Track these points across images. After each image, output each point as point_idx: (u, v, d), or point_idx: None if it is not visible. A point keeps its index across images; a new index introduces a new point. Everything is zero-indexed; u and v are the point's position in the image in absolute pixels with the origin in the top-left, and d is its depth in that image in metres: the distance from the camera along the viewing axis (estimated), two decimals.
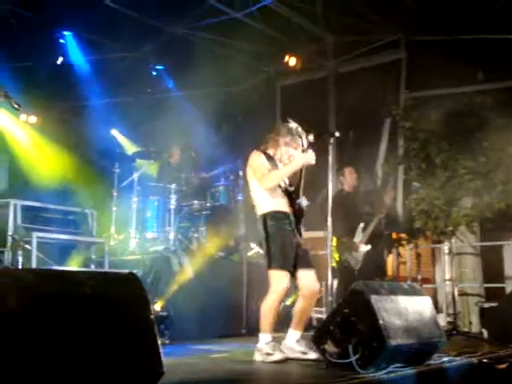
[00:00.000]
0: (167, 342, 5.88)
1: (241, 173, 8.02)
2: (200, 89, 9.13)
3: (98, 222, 7.56)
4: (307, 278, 5.04)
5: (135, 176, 8.02)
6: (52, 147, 9.51)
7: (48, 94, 8.92)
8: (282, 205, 5.10)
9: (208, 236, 7.87)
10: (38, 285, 2.80)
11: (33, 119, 10.21)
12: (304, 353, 4.93)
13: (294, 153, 5.14)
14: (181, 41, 9.39)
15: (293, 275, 5.06)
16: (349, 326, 4.26)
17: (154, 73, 10.42)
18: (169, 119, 8.55)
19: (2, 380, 2.47)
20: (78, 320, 2.84)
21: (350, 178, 8.10)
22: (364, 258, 7.68)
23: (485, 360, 4.89)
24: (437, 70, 8.89)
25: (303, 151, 5.09)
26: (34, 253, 6.43)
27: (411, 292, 4.76)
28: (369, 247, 7.71)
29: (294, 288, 5.33)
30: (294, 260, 5.03)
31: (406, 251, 8.89)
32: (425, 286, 7.90)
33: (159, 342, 3.13)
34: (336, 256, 7.54)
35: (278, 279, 4.95)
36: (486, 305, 7.88)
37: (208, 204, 8.03)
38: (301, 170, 5.11)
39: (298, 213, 5.13)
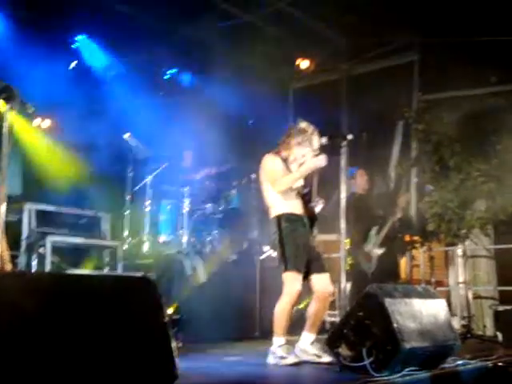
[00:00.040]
0: (180, 345, 5.88)
1: (253, 176, 8.02)
2: (212, 92, 9.14)
3: (111, 225, 7.60)
4: (321, 282, 5.04)
5: (148, 179, 8.04)
6: (65, 151, 9.55)
7: (62, 98, 8.95)
8: (295, 207, 5.11)
9: (221, 239, 7.88)
10: (52, 288, 2.82)
11: (46, 123, 10.27)
12: (318, 356, 4.92)
13: (307, 151, 5.14)
14: (194, 44, 9.40)
15: (306, 278, 5.06)
16: (363, 329, 4.25)
17: (167, 76, 10.46)
18: (181, 122, 8.56)
19: (18, 382, 2.48)
20: (92, 324, 2.85)
21: (361, 181, 8.09)
22: (377, 261, 7.66)
23: (499, 363, 4.87)
24: (450, 72, 8.84)
25: (316, 155, 5.09)
26: (48, 257, 6.47)
27: (425, 295, 4.74)
28: (382, 250, 7.69)
29: (307, 291, 5.33)
30: (308, 263, 5.04)
31: (420, 254, 8.85)
32: (438, 288, 7.85)
33: (173, 346, 3.14)
34: (349, 259, 7.52)
35: (292, 281, 4.95)
36: (501, 308, 7.82)
37: (221, 207, 8.04)
38: (313, 172, 5.12)
39: (311, 215, 5.14)
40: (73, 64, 9.41)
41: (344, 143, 5.34)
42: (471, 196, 7.88)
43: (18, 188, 9.81)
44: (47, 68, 8.49)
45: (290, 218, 5.08)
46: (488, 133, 7.96)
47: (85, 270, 6.92)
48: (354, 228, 7.43)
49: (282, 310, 4.98)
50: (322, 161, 5.04)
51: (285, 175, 5.11)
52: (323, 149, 5.13)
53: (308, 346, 5.03)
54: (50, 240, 6.55)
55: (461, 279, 8.20)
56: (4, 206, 3.95)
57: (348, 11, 9.21)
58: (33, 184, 9.50)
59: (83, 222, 7.41)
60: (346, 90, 10.85)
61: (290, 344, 5.04)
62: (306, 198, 5.15)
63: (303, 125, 5.23)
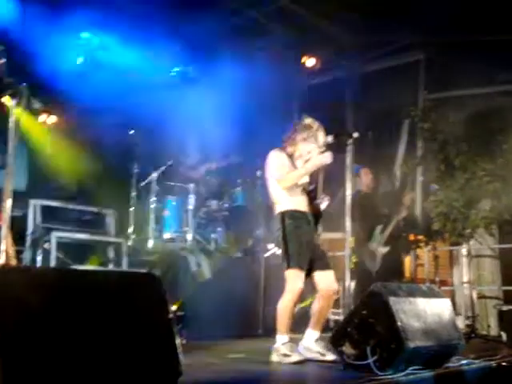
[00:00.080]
0: (184, 341, 5.88)
1: (258, 173, 8.02)
2: (216, 89, 9.13)
3: (116, 221, 7.61)
4: (325, 279, 5.04)
5: (154, 176, 8.04)
6: (71, 147, 9.56)
7: (68, 95, 8.96)
8: (300, 203, 5.11)
9: (226, 236, 7.89)
10: (57, 284, 2.83)
11: (52, 119, 10.28)
12: (322, 354, 4.92)
13: (312, 147, 5.14)
14: (199, 41, 9.39)
15: (309, 276, 5.06)
16: (367, 328, 4.25)
17: (173, 73, 10.45)
18: (186, 119, 8.56)
19: (22, 377, 2.48)
20: (96, 319, 2.86)
21: (365, 179, 8.09)
22: (382, 259, 7.66)
23: (504, 363, 4.86)
24: (456, 71, 8.83)
25: (321, 152, 5.09)
26: (53, 252, 6.50)
27: (430, 294, 4.74)
28: (387, 249, 7.69)
29: (311, 289, 5.33)
30: (312, 261, 5.04)
31: (424, 253, 8.84)
32: (443, 288, 7.85)
33: (177, 342, 3.14)
34: (353, 257, 7.52)
35: (294, 279, 4.96)
36: (505, 307, 7.82)
37: (226, 205, 8.05)
38: (319, 169, 5.12)
39: (316, 212, 5.14)
40: (80, 59, 9.40)
41: (350, 141, 5.33)
42: (476, 195, 7.86)
43: (23, 183, 9.85)
44: (54, 63, 8.51)
45: (294, 214, 5.08)
46: (494, 132, 7.94)
47: (89, 266, 6.93)
48: (359, 226, 7.43)
49: (284, 308, 4.99)
50: (327, 158, 5.04)
51: (290, 171, 5.11)
52: (329, 147, 5.13)
53: (312, 344, 5.03)
54: (54, 235, 6.58)
55: (465, 279, 8.18)
56: (10, 202, 3.96)
57: (354, 9, 9.21)
58: (38, 180, 9.53)
59: (88, 217, 7.44)
60: (351, 89, 10.85)
61: (294, 342, 5.04)
62: (311, 195, 5.15)
63: (308, 121, 5.24)
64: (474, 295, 7.49)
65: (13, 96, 3.97)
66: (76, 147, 9.40)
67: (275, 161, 5.17)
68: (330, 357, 4.78)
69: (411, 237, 8.83)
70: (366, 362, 4.13)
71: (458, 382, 4.47)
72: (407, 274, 8.76)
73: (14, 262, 5.19)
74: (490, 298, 8.27)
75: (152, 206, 7.90)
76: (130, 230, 7.99)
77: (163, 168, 8.16)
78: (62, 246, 6.73)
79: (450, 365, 4.56)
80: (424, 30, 9.19)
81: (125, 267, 7.05)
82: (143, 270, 6.68)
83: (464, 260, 8.28)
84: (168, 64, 10.25)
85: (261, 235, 7.99)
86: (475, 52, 8.70)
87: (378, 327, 4.22)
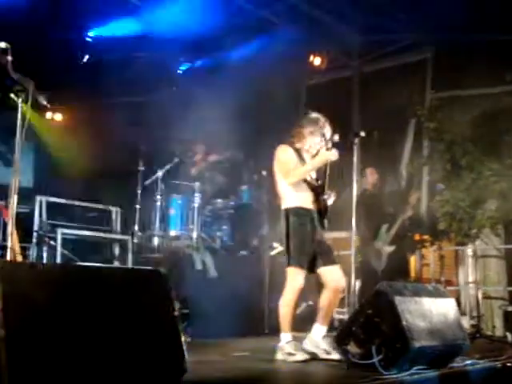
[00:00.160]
0: (189, 339, 5.89)
1: (264, 172, 8.02)
2: (224, 88, 9.13)
3: (121, 219, 7.63)
4: (333, 274, 5.03)
5: (159, 174, 8.05)
6: (77, 144, 9.58)
7: (74, 92, 8.98)
8: (306, 200, 5.11)
9: (231, 235, 7.89)
10: (63, 280, 2.83)
11: (58, 117, 10.31)
12: (328, 352, 4.91)
13: (320, 141, 5.14)
14: (207, 40, 9.41)
15: (313, 272, 5.07)
16: (372, 327, 4.25)
17: (180, 71, 10.48)
18: (193, 117, 8.57)
19: (28, 372, 2.49)
20: (102, 316, 2.87)
21: (371, 178, 8.09)
22: (387, 258, 7.65)
23: (509, 364, 4.84)
24: (463, 71, 8.81)
25: (327, 149, 5.09)
26: (59, 249, 6.51)
27: (436, 294, 4.73)
28: (392, 248, 7.68)
29: (314, 287, 5.34)
30: (317, 257, 5.04)
31: (430, 253, 8.83)
32: (448, 288, 7.83)
33: (182, 340, 3.15)
34: (359, 256, 7.51)
35: (295, 277, 4.98)
36: (510, 308, 7.80)
37: (231, 203, 8.05)
38: (325, 166, 5.12)
39: (322, 208, 5.14)
40: (85, 57, 9.43)
41: (356, 140, 5.33)
42: (483, 195, 7.85)
43: (29, 180, 9.88)
44: (61, 61, 8.53)
45: (298, 212, 5.09)
46: (501, 132, 7.92)
47: (94, 263, 6.94)
48: (365, 225, 7.43)
49: (285, 306, 5.00)
50: (333, 155, 5.04)
51: (297, 166, 5.11)
52: (335, 146, 5.12)
53: (320, 340, 5.02)
54: (60, 232, 6.59)
55: (471, 279, 8.17)
56: (16, 198, 3.97)
57: (360, 8, 9.20)
58: (44, 177, 9.56)
59: (94, 215, 7.46)
60: (357, 88, 10.84)
61: (298, 340, 5.04)
62: (318, 191, 5.15)
63: (314, 115, 5.25)
64: (480, 295, 7.47)
65: (19, 93, 3.97)
66: (82, 144, 9.42)
67: (282, 155, 5.18)
68: (335, 356, 4.76)
69: (417, 236, 8.82)
70: (370, 362, 4.12)
71: (463, 382, 4.46)
72: (413, 273, 8.75)
73: (19, 258, 5.20)
74: (496, 298, 8.25)
75: (157, 204, 7.91)
76: (136, 227, 8.00)
77: (168, 166, 8.16)
78: (68, 242, 6.75)
79: (455, 365, 4.55)
80: (431, 28, 9.18)
81: (130, 264, 7.06)
82: (149, 268, 6.68)
83: (470, 260, 8.26)
84: (175, 60, 10.28)
85: (266, 233, 7.98)
86: (483, 51, 8.69)
87: (383, 326, 4.21)
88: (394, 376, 4.00)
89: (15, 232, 4.65)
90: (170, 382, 3.08)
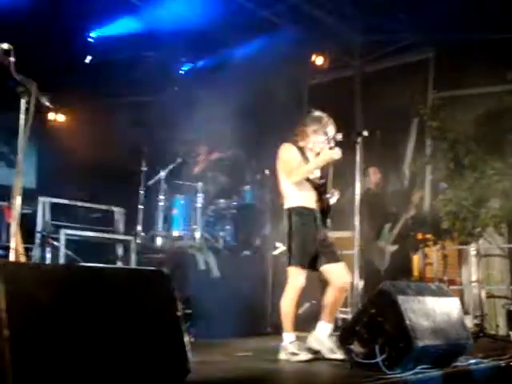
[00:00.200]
0: (192, 339, 5.89)
1: (267, 172, 8.02)
2: (226, 88, 9.14)
3: (124, 219, 7.63)
4: (337, 271, 5.04)
5: (162, 174, 8.05)
6: (80, 145, 9.58)
7: (77, 93, 8.99)
8: (309, 199, 5.11)
9: (234, 235, 7.89)
10: (67, 281, 2.84)
11: (61, 118, 10.33)
12: (332, 351, 4.90)
13: (323, 140, 5.13)
14: (209, 39, 9.42)
15: (316, 270, 5.07)
16: (375, 327, 4.24)
17: (182, 71, 10.49)
18: (195, 117, 8.58)
19: (32, 372, 2.50)
20: (105, 316, 2.87)
21: (374, 178, 8.09)
22: (390, 258, 7.65)
23: None
24: (465, 70, 8.81)
25: (330, 148, 5.09)
26: (62, 249, 6.52)
27: (439, 293, 4.72)
28: (395, 247, 7.68)
29: (317, 286, 5.34)
30: (320, 255, 5.04)
31: (433, 252, 8.82)
32: (451, 287, 7.82)
33: (186, 340, 3.15)
34: (362, 256, 7.50)
35: (296, 276, 4.99)
36: None
37: (234, 203, 8.05)
38: (328, 165, 5.13)
39: (325, 208, 5.15)
40: (88, 58, 9.45)
41: (359, 140, 5.33)
42: (486, 194, 7.84)
43: (32, 181, 9.89)
44: (64, 62, 8.54)
45: (301, 211, 5.09)
46: (504, 131, 7.91)
47: (98, 264, 6.94)
48: (368, 225, 7.42)
49: (287, 306, 5.01)
50: (337, 154, 5.04)
51: (300, 165, 5.11)
52: (338, 145, 5.13)
53: (325, 338, 5.01)
54: (64, 233, 6.60)
55: (474, 278, 8.16)
56: (19, 199, 3.97)
57: (362, 8, 9.20)
58: (47, 177, 9.57)
59: (97, 215, 7.46)
60: (360, 87, 10.84)
61: (301, 340, 5.04)
62: (321, 190, 5.16)
63: (317, 113, 5.25)
64: (483, 294, 7.47)
65: (22, 94, 3.97)
66: (84, 145, 9.43)
67: (285, 154, 5.18)
68: (339, 356, 4.76)
69: (420, 235, 8.81)
70: (374, 361, 4.12)
71: (467, 381, 4.46)
72: (416, 272, 8.74)
73: (23, 259, 5.20)
74: (499, 297, 8.23)
75: (160, 205, 7.91)
76: (139, 228, 8.00)
77: (171, 166, 8.17)
78: (71, 243, 6.75)
79: (459, 364, 4.55)
80: (432, 28, 9.18)
81: (133, 265, 7.06)
82: (153, 268, 6.69)
83: (473, 259, 8.25)
84: (177, 60, 10.29)
85: (269, 233, 7.99)
86: (484, 51, 8.69)
87: (386, 326, 4.21)
88: (398, 375, 4.00)
89: (19, 233, 4.65)
90: (173, 383, 3.08)
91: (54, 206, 6.96)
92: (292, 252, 5.02)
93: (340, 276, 5.04)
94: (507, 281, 8.35)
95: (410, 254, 8.32)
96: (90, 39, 9.39)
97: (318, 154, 5.19)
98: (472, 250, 8.20)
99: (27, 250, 6.28)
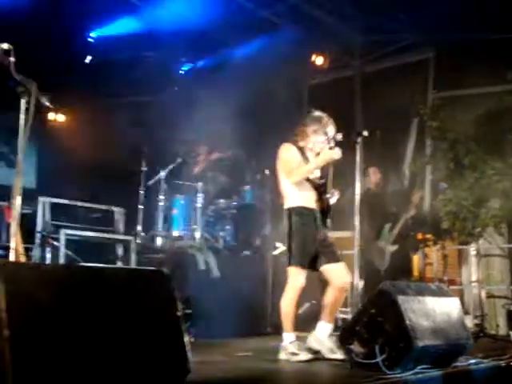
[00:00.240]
0: (192, 340, 5.89)
1: (267, 172, 8.03)
2: (226, 88, 9.15)
3: (124, 219, 7.63)
4: (337, 271, 5.04)
5: (162, 174, 8.05)
6: (80, 145, 9.58)
7: (77, 93, 8.99)
8: (308, 200, 5.11)
9: (234, 235, 7.89)
10: (67, 281, 2.84)
11: (61, 117, 10.33)
12: (332, 351, 4.90)
13: (323, 139, 5.13)
14: (209, 39, 9.42)
15: (316, 270, 5.07)
16: (375, 327, 4.24)
17: (182, 71, 10.50)
18: (195, 117, 8.58)
19: (32, 372, 2.50)
20: (105, 316, 2.87)
21: (374, 178, 8.09)
22: (390, 258, 7.65)
23: None
24: (465, 70, 8.81)
25: (330, 148, 5.09)
26: (62, 249, 6.52)
27: (439, 293, 4.72)
28: (395, 247, 7.68)
29: (318, 286, 5.34)
30: (320, 255, 5.04)
31: (433, 252, 8.82)
32: (451, 287, 7.82)
33: (186, 340, 3.15)
34: (362, 256, 7.50)
35: (295, 276, 4.99)
36: None
37: (234, 203, 8.05)
38: (329, 165, 5.13)
39: (325, 208, 5.15)
40: (88, 58, 9.45)
41: (359, 140, 5.32)
42: (486, 194, 7.84)
43: (32, 181, 9.89)
44: (64, 62, 8.54)
45: (301, 211, 5.10)
46: (504, 131, 7.91)
47: (98, 264, 6.94)
48: (368, 225, 7.42)
49: (287, 305, 5.02)
50: (336, 154, 5.04)
51: (300, 165, 5.11)
52: (338, 145, 5.13)
53: (325, 338, 5.01)
54: (64, 233, 6.60)
55: (474, 278, 8.16)
56: (19, 199, 3.97)
57: (362, 8, 9.20)
58: (47, 177, 9.57)
59: (97, 215, 7.46)
60: (360, 87, 10.84)
61: (301, 340, 5.04)
62: (321, 190, 5.16)
63: (317, 113, 5.25)
64: (483, 294, 7.46)
65: (22, 94, 3.97)
66: (84, 145, 9.43)
67: (285, 154, 5.19)
68: (339, 356, 4.76)
69: (420, 235, 8.81)
70: (374, 361, 4.12)
71: (467, 381, 4.46)
72: (416, 272, 8.74)
73: (23, 259, 5.20)
74: (499, 297, 8.23)
75: (160, 205, 7.91)
76: (139, 228, 8.00)
77: (171, 166, 8.17)
78: (71, 243, 6.76)
79: (459, 364, 4.55)
80: (433, 28, 9.18)
81: (133, 265, 7.06)
82: (153, 268, 6.69)
83: (473, 259, 8.25)
84: (177, 60, 10.29)
85: (269, 233, 7.99)
86: (484, 50, 8.69)
87: (386, 326, 4.21)
88: (398, 375, 4.00)
89: (19, 233, 4.65)
90: (173, 383, 3.08)
91: (53, 205, 6.96)
92: (292, 252, 5.03)
93: (340, 276, 5.04)
94: (507, 281, 8.34)
95: (410, 254, 8.32)
96: (90, 39, 9.39)
97: (318, 153, 5.19)
98: (472, 250, 8.21)
99: (27, 250, 6.29)
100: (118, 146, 9.45)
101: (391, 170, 9.53)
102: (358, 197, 5.35)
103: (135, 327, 2.95)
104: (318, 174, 5.26)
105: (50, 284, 2.73)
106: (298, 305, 5.24)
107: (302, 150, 5.22)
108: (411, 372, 4.05)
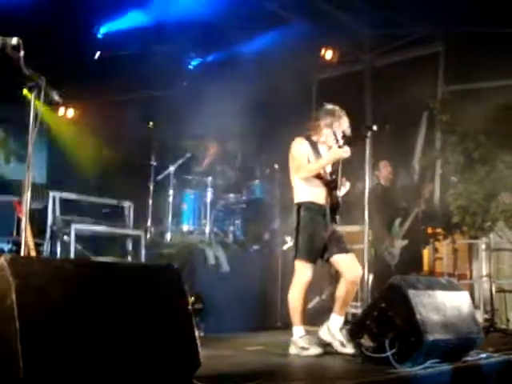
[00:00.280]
0: (202, 334, 5.90)
1: (276, 166, 8.02)
2: (235, 82, 9.15)
3: (134, 214, 7.65)
4: (348, 262, 5.02)
5: (171, 169, 8.06)
6: (90, 140, 9.62)
7: (86, 88, 9.01)
8: (318, 195, 5.11)
9: (243, 229, 7.90)
10: (78, 275, 2.84)
11: (71, 112, 10.36)
12: (343, 344, 4.90)
13: (337, 133, 5.11)
14: (217, 33, 9.41)
15: (326, 261, 5.06)
16: (386, 321, 4.24)
17: (191, 66, 10.50)
18: (205, 112, 8.58)
19: (43, 366, 2.51)
20: (116, 311, 2.88)
21: (385, 171, 8.06)
22: (400, 252, 7.63)
23: None
24: (475, 63, 8.76)
25: (339, 147, 5.07)
26: (73, 244, 6.54)
27: (449, 287, 4.71)
28: (405, 242, 7.66)
29: (328, 280, 5.33)
30: (329, 247, 5.03)
31: (443, 246, 8.79)
32: (461, 281, 7.80)
33: (196, 334, 3.15)
34: (372, 250, 7.48)
35: (302, 270, 5.00)
36: None
37: (244, 197, 8.05)
38: (338, 162, 5.11)
39: (335, 204, 5.13)
40: (97, 54, 9.46)
41: (368, 134, 5.31)
42: (496, 188, 7.80)
43: (43, 176, 9.94)
44: (73, 57, 8.55)
45: (310, 206, 5.09)
46: None
47: (108, 259, 6.98)
48: (378, 219, 7.41)
49: (295, 300, 5.02)
50: (346, 153, 5.02)
51: (312, 160, 5.10)
52: (347, 139, 5.12)
53: (337, 331, 5.01)
54: (74, 228, 6.62)
55: (484, 272, 8.14)
56: (29, 194, 3.98)
57: (371, 2, 9.16)
58: (58, 172, 9.61)
59: (107, 210, 7.48)
60: (369, 81, 10.81)
61: (311, 334, 5.04)
62: (331, 186, 5.14)
63: (330, 107, 5.23)
64: (493, 289, 7.43)
65: (32, 89, 3.98)
66: (94, 140, 9.46)
67: (296, 149, 5.17)
68: (350, 350, 4.76)
69: (430, 230, 8.79)
70: (384, 355, 4.11)
71: (477, 375, 4.45)
72: (426, 267, 8.72)
73: (33, 253, 5.23)
74: (510, 291, 8.21)
75: (170, 199, 7.92)
76: (148, 223, 8.02)
77: (181, 161, 8.17)
78: (81, 238, 6.78)
79: (469, 358, 4.54)
80: (443, 21, 9.13)
81: (143, 260, 7.08)
82: (163, 263, 6.71)
83: (483, 253, 8.23)
84: (187, 55, 10.28)
85: (278, 227, 7.98)
86: (494, 44, 8.63)
87: (396, 320, 4.20)
88: (408, 370, 4.00)
89: (29, 227, 4.67)
90: (183, 376, 3.09)
91: (64, 200, 6.99)
92: (299, 246, 5.03)
93: (351, 269, 5.02)
94: None
95: (420, 248, 8.30)
96: (99, 34, 9.40)
97: (330, 147, 5.17)
98: (482, 244, 8.18)
99: (38, 245, 6.32)
100: (127, 140, 9.48)
101: (401, 164, 9.50)
102: (367, 191, 5.34)
103: (146, 322, 2.96)
104: (328, 169, 5.25)
105: (60, 278, 2.74)
106: (307, 299, 5.24)
107: (314, 144, 5.20)
108: (421, 366, 4.05)
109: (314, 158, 5.12)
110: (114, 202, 7.57)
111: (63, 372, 2.56)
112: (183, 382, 3.08)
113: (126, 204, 7.59)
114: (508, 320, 8.00)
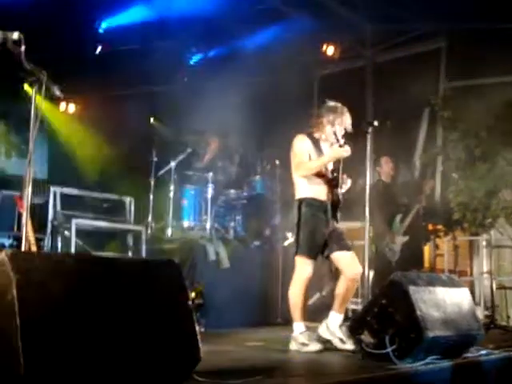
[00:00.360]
0: (203, 330, 5.91)
1: (277, 162, 8.02)
2: (237, 78, 9.14)
3: (135, 209, 7.66)
4: (348, 260, 5.02)
5: (172, 165, 8.06)
6: (91, 135, 9.62)
7: (87, 83, 9.00)
8: (319, 192, 5.10)
9: (244, 225, 7.90)
10: (78, 270, 2.84)
11: (72, 107, 10.35)
12: (343, 341, 4.90)
13: (339, 130, 5.10)
14: (218, 30, 9.40)
15: (327, 257, 5.06)
16: (386, 317, 4.24)
17: (192, 61, 10.48)
18: (207, 107, 8.57)
19: (43, 361, 2.51)
20: (117, 306, 2.88)
21: (386, 167, 8.06)
22: (401, 249, 7.63)
23: None
24: (477, 60, 8.74)
25: (340, 146, 5.05)
26: (73, 239, 6.54)
27: (450, 283, 4.71)
28: (406, 238, 7.66)
29: (329, 276, 5.33)
30: (330, 244, 5.02)
31: (444, 243, 8.79)
32: (462, 278, 7.81)
33: (197, 329, 3.15)
34: (373, 247, 7.49)
35: (302, 266, 5.00)
36: None
37: (245, 193, 8.04)
38: (339, 160, 5.10)
39: (335, 201, 5.13)
40: (99, 49, 9.45)
41: (369, 130, 5.30)
42: (497, 185, 7.80)
43: (44, 171, 9.94)
44: (74, 51, 8.55)
45: (311, 203, 5.09)
46: None
47: (108, 254, 6.99)
48: (379, 215, 7.41)
49: (295, 295, 5.02)
50: (346, 152, 5.01)
51: (313, 157, 5.09)
52: (348, 135, 5.11)
53: (336, 328, 5.01)
54: (75, 223, 6.62)
55: (485, 269, 8.14)
56: (30, 189, 3.98)
57: None
58: (59, 167, 9.61)
59: (108, 205, 7.48)
60: (371, 77, 10.79)
61: (311, 330, 5.04)
62: (332, 183, 5.14)
63: (332, 103, 5.22)
64: (494, 286, 7.43)
65: (33, 83, 3.98)
66: (95, 135, 9.46)
67: (297, 146, 5.16)
68: (350, 346, 4.77)
69: (430, 226, 8.79)
70: (384, 351, 4.12)
71: (477, 372, 4.45)
72: (426, 263, 8.72)
73: (34, 248, 5.23)
74: (510, 288, 8.21)
75: (171, 195, 7.92)
76: (149, 218, 8.02)
77: (181, 157, 8.17)
78: (82, 233, 6.78)
79: (469, 355, 4.54)
80: (445, 17, 9.11)
81: (144, 255, 7.08)
82: (164, 258, 6.70)
83: (484, 250, 8.23)
84: (188, 50, 10.27)
85: (278, 223, 7.98)
86: (496, 40, 8.61)
87: (397, 316, 4.21)
88: (408, 366, 4.00)
89: (30, 223, 4.68)
90: (184, 371, 3.09)
91: (65, 195, 6.99)
92: (299, 242, 5.03)
93: (351, 266, 5.02)
94: None
95: (420, 244, 8.30)
96: (100, 29, 9.38)
97: (332, 144, 5.17)
98: (483, 241, 8.17)
99: (38, 240, 6.32)
100: (128, 136, 9.47)
101: (402, 161, 9.50)
102: (368, 187, 5.34)
103: (146, 317, 2.96)
104: (330, 167, 5.24)
105: (60, 274, 2.74)
106: (308, 295, 5.24)
107: (316, 141, 5.19)
108: (421, 362, 4.05)
109: (315, 156, 5.11)
110: (114, 197, 7.57)
111: (64, 368, 2.56)
112: (183, 377, 3.08)
113: (127, 199, 7.59)
114: (508, 317, 8.00)
